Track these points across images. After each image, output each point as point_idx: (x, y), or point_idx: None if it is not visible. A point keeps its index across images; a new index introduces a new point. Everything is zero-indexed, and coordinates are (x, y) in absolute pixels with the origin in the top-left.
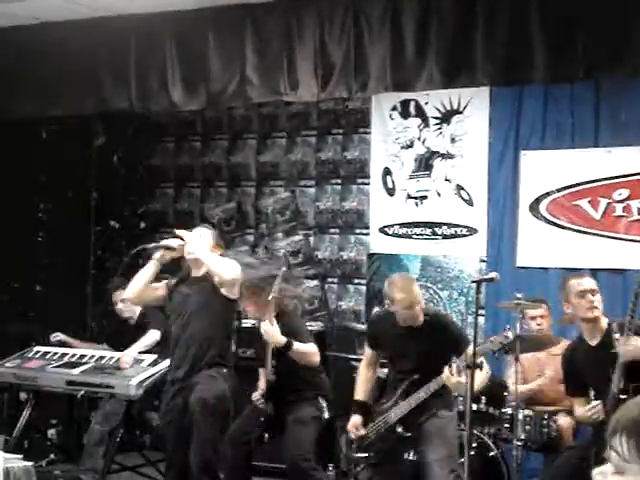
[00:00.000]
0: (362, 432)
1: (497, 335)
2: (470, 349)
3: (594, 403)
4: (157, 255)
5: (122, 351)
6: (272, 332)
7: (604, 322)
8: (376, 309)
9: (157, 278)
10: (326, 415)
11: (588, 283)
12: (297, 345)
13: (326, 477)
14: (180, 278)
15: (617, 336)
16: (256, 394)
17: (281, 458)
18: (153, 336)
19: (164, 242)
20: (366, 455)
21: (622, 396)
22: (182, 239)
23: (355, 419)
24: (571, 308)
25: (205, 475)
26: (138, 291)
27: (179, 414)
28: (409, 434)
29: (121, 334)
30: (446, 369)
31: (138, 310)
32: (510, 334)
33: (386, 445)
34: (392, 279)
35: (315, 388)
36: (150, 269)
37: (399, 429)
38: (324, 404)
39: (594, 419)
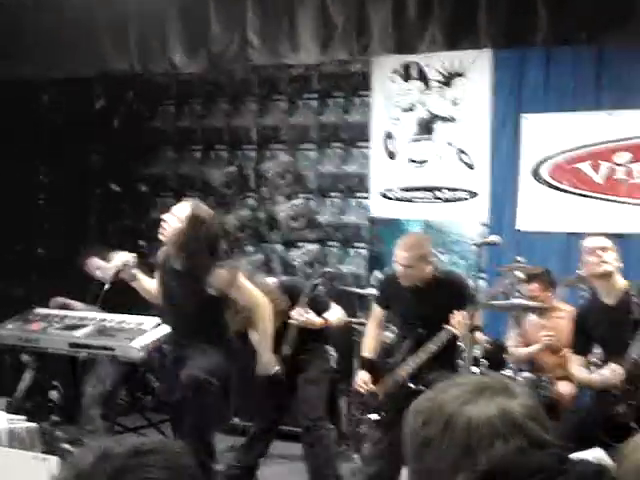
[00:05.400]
0: (371, 387)
1: (503, 278)
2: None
3: (615, 367)
4: (126, 276)
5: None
6: (310, 320)
7: (621, 282)
8: (376, 273)
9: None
10: (333, 363)
11: (598, 241)
12: (332, 320)
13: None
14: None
15: (635, 299)
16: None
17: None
18: None
19: (114, 266)
20: (376, 417)
21: None
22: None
23: (362, 375)
24: (584, 268)
25: (200, 444)
26: (154, 299)
27: (175, 385)
28: (421, 387)
29: (110, 296)
30: (455, 317)
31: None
32: (519, 273)
33: (397, 403)
34: (399, 239)
35: (322, 338)
36: (139, 287)
37: (410, 384)
38: (331, 351)
39: (615, 384)
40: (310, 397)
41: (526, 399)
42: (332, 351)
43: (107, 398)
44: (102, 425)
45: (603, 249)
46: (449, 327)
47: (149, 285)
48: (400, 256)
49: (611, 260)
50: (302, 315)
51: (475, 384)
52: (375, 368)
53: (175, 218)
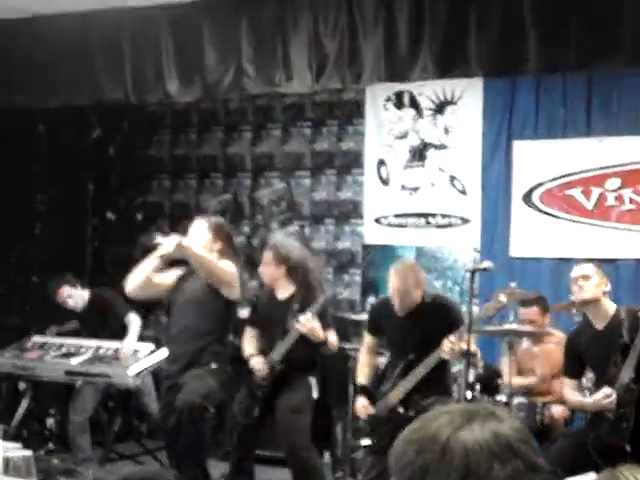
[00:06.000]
0: (371, 410)
1: (490, 301)
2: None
3: (607, 391)
4: (159, 252)
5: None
6: (316, 330)
7: (610, 307)
8: (371, 299)
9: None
10: (315, 395)
11: (581, 270)
12: (331, 341)
13: (323, 464)
14: (187, 271)
15: (626, 323)
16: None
17: (273, 445)
18: (137, 321)
19: (162, 245)
20: (369, 442)
21: (633, 386)
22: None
23: (361, 401)
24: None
25: (192, 465)
26: (138, 285)
27: (171, 412)
28: (411, 413)
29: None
30: (446, 341)
31: (86, 295)
32: (503, 297)
33: (389, 428)
34: (393, 266)
35: (308, 365)
36: (151, 264)
37: (400, 409)
38: (314, 382)
39: (607, 407)
40: (297, 427)
41: (515, 423)
42: (314, 381)
43: (96, 425)
44: (93, 453)
45: (584, 278)
46: (440, 351)
47: (154, 273)
48: (396, 285)
49: (590, 288)
50: (309, 321)
51: (463, 410)
52: (371, 394)
53: (199, 229)
